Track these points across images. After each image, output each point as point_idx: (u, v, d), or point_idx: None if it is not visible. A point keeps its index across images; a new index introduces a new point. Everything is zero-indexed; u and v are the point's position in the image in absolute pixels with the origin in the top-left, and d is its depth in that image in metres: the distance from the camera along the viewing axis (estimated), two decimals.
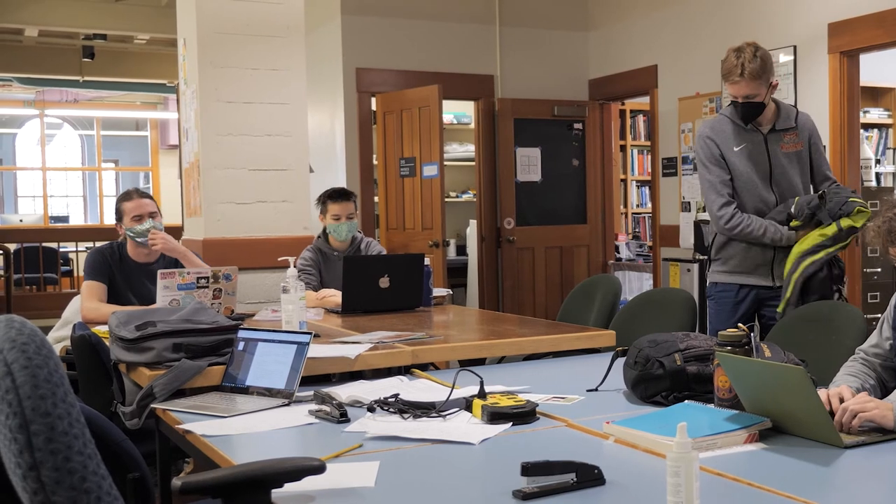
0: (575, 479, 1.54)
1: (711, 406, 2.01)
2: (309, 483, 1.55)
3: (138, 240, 3.75)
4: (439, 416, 2.07)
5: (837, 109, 5.20)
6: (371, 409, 2.14)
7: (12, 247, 9.74)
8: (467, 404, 2.13)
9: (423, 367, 2.82)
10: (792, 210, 3.37)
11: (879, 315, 2.31)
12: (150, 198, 3.89)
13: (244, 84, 4.54)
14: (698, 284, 5.77)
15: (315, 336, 2.63)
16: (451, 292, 4.71)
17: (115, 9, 9.10)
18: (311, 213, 4.67)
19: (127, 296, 3.72)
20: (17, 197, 14.90)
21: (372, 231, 6.52)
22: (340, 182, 6.39)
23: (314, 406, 2.19)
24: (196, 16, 4.48)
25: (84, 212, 15.28)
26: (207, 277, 3.52)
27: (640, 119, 8.88)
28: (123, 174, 15.53)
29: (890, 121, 7.03)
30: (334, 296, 3.94)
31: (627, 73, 6.84)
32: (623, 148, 8.72)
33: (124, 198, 3.85)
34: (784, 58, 5.48)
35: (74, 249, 10.81)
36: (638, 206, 8.98)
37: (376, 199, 6.73)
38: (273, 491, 1.53)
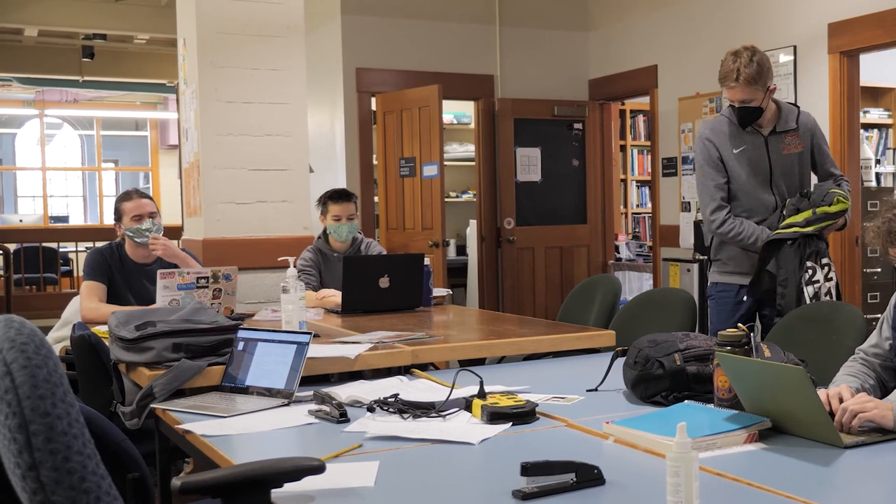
0: (575, 479, 1.54)
1: (711, 406, 2.01)
2: (309, 483, 1.55)
3: (137, 240, 3.75)
4: (439, 416, 2.07)
5: (837, 109, 5.20)
6: (371, 409, 2.14)
7: (12, 247, 9.74)
8: (467, 404, 2.13)
9: (423, 367, 2.82)
10: (785, 212, 3.41)
11: (879, 315, 2.31)
12: (150, 198, 3.89)
13: (244, 84, 4.54)
14: (698, 284, 5.77)
15: (315, 336, 2.63)
16: (451, 292, 4.71)
17: (115, 9, 9.10)
18: (310, 213, 4.67)
19: (126, 296, 3.72)
20: (16, 197, 14.90)
21: (372, 231, 6.52)
22: (340, 182, 6.39)
23: (314, 406, 2.19)
24: (196, 16, 4.48)
25: (84, 212, 15.28)
26: (207, 277, 3.52)
27: (640, 119, 8.88)
28: (123, 174, 15.53)
29: (890, 121, 7.03)
30: (334, 296, 3.94)
31: (627, 73, 6.84)
32: (623, 148, 8.72)
33: (124, 198, 3.85)
34: (784, 58, 5.48)
35: (74, 249, 10.81)
36: (638, 206, 8.98)
37: (376, 199, 6.73)
38: (273, 491, 1.53)
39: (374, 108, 6.62)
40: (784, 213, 3.40)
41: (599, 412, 2.09)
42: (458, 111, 8.06)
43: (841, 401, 1.91)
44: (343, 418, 2.08)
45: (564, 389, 2.35)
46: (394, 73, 6.57)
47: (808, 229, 3.31)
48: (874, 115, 6.95)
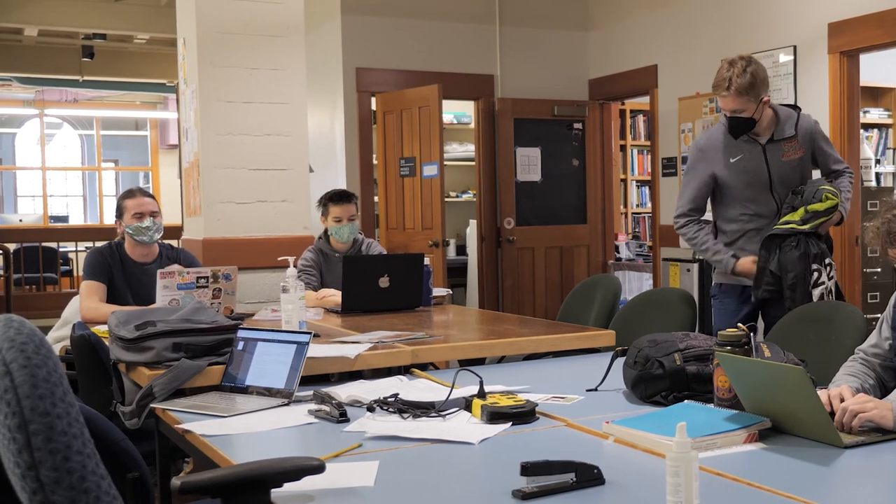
0: (574, 479, 1.54)
1: (711, 406, 2.01)
2: (308, 483, 1.55)
3: (137, 238, 3.75)
4: (439, 415, 2.07)
5: (837, 109, 5.20)
6: (370, 409, 2.14)
7: (12, 246, 9.73)
8: (467, 404, 2.13)
9: (423, 366, 2.82)
10: (782, 211, 3.42)
11: (879, 315, 2.31)
12: (153, 197, 3.88)
13: (244, 84, 4.54)
14: (698, 284, 5.77)
15: (315, 336, 2.63)
16: (451, 292, 4.71)
17: (115, 8, 9.10)
18: (310, 213, 4.67)
19: (126, 296, 3.72)
20: (16, 197, 14.90)
21: (372, 231, 6.52)
22: (340, 182, 6.39)
23: (314, 406, 2.19)
24: (196, 15, 4.48)
25: (84, 212, 15.27)
26: (207, 277, 3.52)
27: (640, 119, 8.88)
28: (123, 174, 15.52)
29: (890, 121, 7.03)
30: (334, 295, 3.94)
31: (627, 73, 6.84)
32: (623, 148, 8.72)
33: (127, 195, 3.85)
34: (784, 58, 5.48)
35: (74, 249, 10.81)
36: (638, 206, 8.98)
37: (376, 198, 6.73)
38: (273, 491, 1.53)
39: (374, 107, 6.62)
40: (782, 211, 3.41)
41: (599, 412, 2.09)
42: (458, 111, 8.06)
43: (842, 401, 1.91)
44: (343, 418, 2.08)
45: (564, 389, 2.35)
46: (394, 73, 6.57)
47: (805, 227, 3.31)
48: (874, 115, 6.95)
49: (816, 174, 3.62)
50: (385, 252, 4.56)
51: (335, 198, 4.29)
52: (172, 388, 2.41)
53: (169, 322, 2.65)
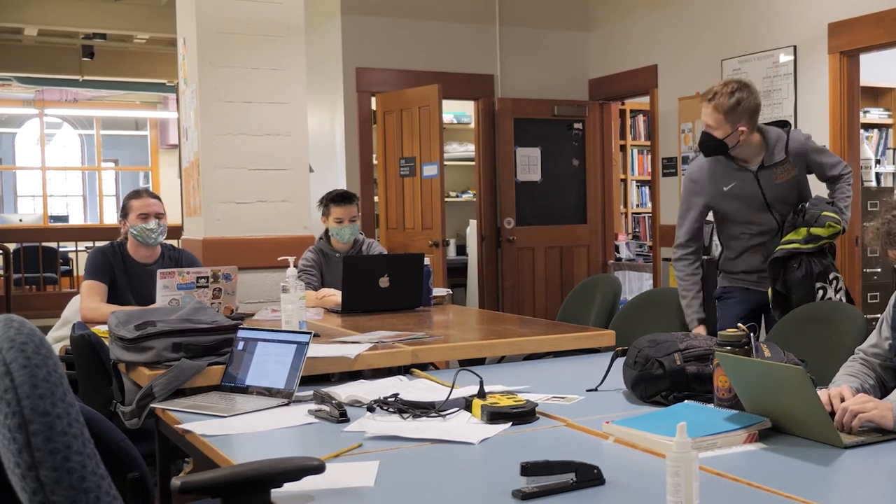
0: (574, 479, 1.54)
1: (711, 406, 2.01)
2: (308, 483, 1.55)
3: (141, 239, 3.75)
4: (439, 415, 2.07)
5: (837, 109, 5.20)
6: (371, 409, 2.14)
7: (12, 246, 9.73)
8: (467, 404, 2.13)
9: (423, 366, 2.82)
10: (784, 230, 3.42)
11: (879, 315, 2.31)
12: (159, 199, 3.87)
13: (244, 84, 4.54)
14: None
15: (315, 336, 2.63)
16: (451, 292, 4.71)
17: (115, 8, 9.09)
18: (310, 213, 4.67)
19: (127, 296, 3.72)
20: (16, 196, 14.90)
21: (372, 231, 6.52)
22: (340, 182, 6.39)
23: (314, 406, 2.19)
24: (196, 15, 4.48)
25: (84, 211, 15.27)
26: (207, 277, 3.52)
27: (640, 119, 8.88)
28: (123, 174, 15.52)
29: (890, 121, 7.03)
30: (334, 295, 3.94)
31: (627, 73, 6.84)
32: (623, 148, 8.72)
33: (133, 195, 3.85)
34: (784, 58, 5.48)
35: (74, 249, 10.81)
36: (638, 206, 8.97)
37: (376, 198, 6.73)
38: (273, 491, 1.53)
39: (374, 107, 6.61)
40: (783, 230, 3.41)
41: (599, 412, 2.09)
42: (458, 111, 8.06)
43: (842, 401, 1.91)
44: (343, 418, 2.08)
45: (564, 389, 2.35)
46: (394, 73, 6.57)
47: (808, 247, 3.31)
48: (874, 115, 6.95)
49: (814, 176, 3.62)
50: (385, 251, 4.56)
51: (337, 199, 4.29)
52: (172, 388, 2.41)
53: (169, 322, 2.65)
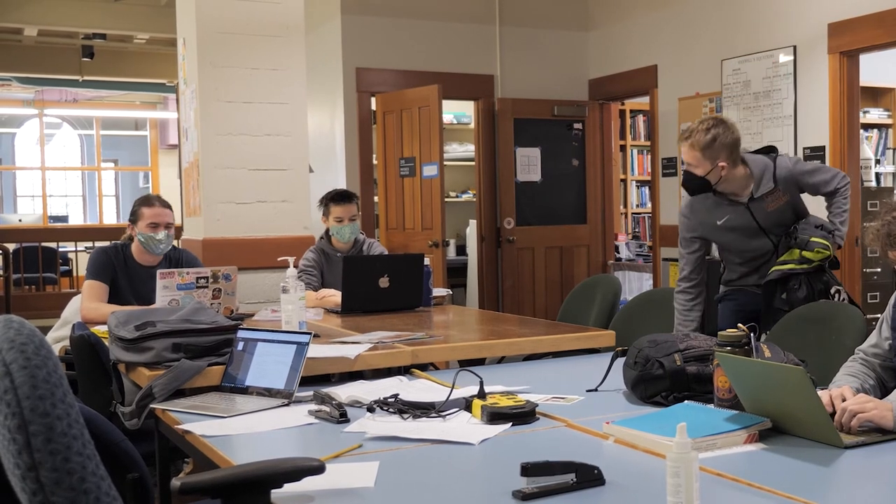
0: (575, 480, 1.54)
1: (711, 406, 2.01)
2: (308, 483, 1.55)
3: (147, 247, 3.75)
4: (439, 416, 2.07)
5: (837, 109, 5.20)
6: (371, 410, 2.14)
7: (11, 246, 9.73)
8: (467, 404, 2.12)
9: (423, 367, 2.82)
10: (779, 252, 3.44)
11: (879, 315, 2.31)
12: (170, 208, 3.86)
13: (244, 84, 4.54)
14: None
15: (315, 336, 2.63)
16: (451, 292, 4.71)
17: (115, 8, 9.09)
18: (310, 213, 4.67)
19: (128, 298, 3.71)
20: (16, 196, 14.90)
21: (372, 231, 6.52)
22: (340, 182, 6.38)
23: (314, 406, 2.19)
24: (196, 15, 4.48)
25: (83, 212, 15.27)
26: (207, 277, 3.51)
27: (640, 119, 8.88)
28: (123, 174, 15.53)
29: (890, 121, 7.03)
30: (334, 296, 3.94)
31: (627, 73, 6.84)
32: (623, 148, 8.71)
33: (146, 202, 3.81)
34: (784, 58, 5.48)
35: (73, 249, 10.81)
36: (638, 206, 8.97)
37: (376, 199, 6.73)
38: (272, 491, 1.53)
39: (374, 107, 6.61)
40: (779, 251, 3.42)
41: (599, 412, 2.09)
42: (458, 111, 8.06)
43: (843, 401, 1.91)
44: (343, 418, 2.08)
45: (564, 389, 2.35)
46: (394, 73, 6.57)
47: (803, 267, 3.33)
48: (874, 115, 6.94)
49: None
50: (386, 251, 4.56)
51: (336, 198, 4.30)
52: (172, 389, 2.41)
53: (169, 322, 2.65)
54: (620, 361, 2.35)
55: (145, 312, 2.81)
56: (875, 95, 6.97)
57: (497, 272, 6.94)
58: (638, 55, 6.70)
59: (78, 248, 10.67)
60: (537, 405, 2.10)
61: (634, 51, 6.74)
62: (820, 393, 1.90)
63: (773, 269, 3.38)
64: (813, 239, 3.33)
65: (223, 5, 4.51)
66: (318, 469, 1.53)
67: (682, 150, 3.34)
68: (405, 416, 2.07)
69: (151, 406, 2.35)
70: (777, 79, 5.52)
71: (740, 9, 5.82)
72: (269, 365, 2.42)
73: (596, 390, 2.35)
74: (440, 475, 1.72)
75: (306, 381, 2.40)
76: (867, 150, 6.68)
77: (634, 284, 6.91)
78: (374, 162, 6.69)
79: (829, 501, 1.55)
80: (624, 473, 1.64)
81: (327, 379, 2.63)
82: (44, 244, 10.40)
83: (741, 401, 1.94)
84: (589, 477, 1.55)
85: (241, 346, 2.51)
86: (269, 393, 2.36)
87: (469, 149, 7.79)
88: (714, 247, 3.71)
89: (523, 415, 2.03)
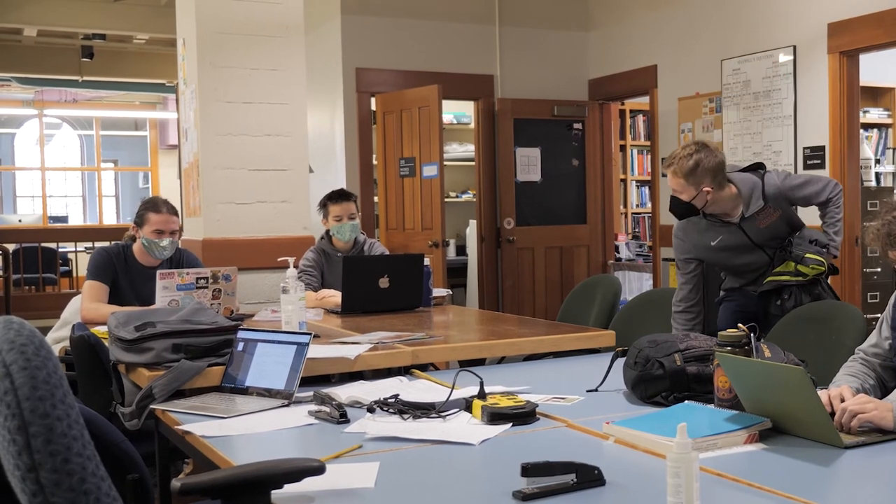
0: (575, 480, 1.54)
1: (711, 406, 2.01)
2: (308, 484, 1.55)
3: (150, 252, 3.75)
4: (439, 416, 2.07)
5: (837, 109, 5.20)
6: (371, 410, 2.13)
7: (11, 247, 9.72)
8: (467, 405, 2.12)
9: (423, 367, 2.82)
10: (774, 264, 3.45)
11: (879, 315, 2.31)
12: (177, 213, 3.84)
13: (244, 84, 4.54)
14: None
15: (315, 336, 2.63)
16: (451, 292, 4.71)
17: (115, 9, 9.09)
18: (310, 214, 4.67)
19: (129, 298, 3.71)
20: (15, 197, 14.90)
21: (372, 231, 6.52)
22: (340, 182, 6.38)
23: (314, 407, 2.19)
24: (195, 16, 4.48)
25: (83, 212, 15.27)
26: (207, 278, 3.51)
27: (640, 119, 8.88)
28: (122, 174, 15.53)
29: (890, 121, 7.03)
30: (334, 296, 3.94)
31: (627, 73, 6.84)
32: (623, 148, 8.71)
33: (153, 207, 3.77)
34: (784, 58, 5.48)
35: (73, 250, 10.80)
36: (638, 206, 8.97)
37: (376, 199, 6.73)
38: (273, 492, 1.53)
39: (373, 108, 6.61)
40: (775, 263, 3.43)
41: (599, 412, 2.09)
42: (458, 111, 8.06)
43: (842, 401, 1.91)
44: (343, 419, 2.08)
45: (564, 390, 2.35)
46: (394, 73, 6.57)
47: (797, 279, 3.34)
48: (874, 115, 6.95)
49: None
50: (387, 252, 4.56)
51: (334, 197, 4.30)
52: (172, 389, 2.40)
53: (169, 323, 2.65)
54: (620, 361, 2.35)
55: (145, 313, 2.81)
56: (875, 95, 6.97)
57: (497, 272, 6.94)
58: (638, 55, 6.70)
59: (78, 249, 10.66)
60: (537, 405, 2.10)
61: (634, 51, 6.74)
62: (819, 393, 1.90)
63: (769, 279, 3.40)
64: (808, 255, 3.35)
65: (223, 5, 4.51)
66: (318, 469, 1.53)
67: (668, 177, 3.34)
68: (405, 416, 2.07)
69: (151, 407, 2.35)
70: (777, 79, 5.52)
71: (740, 9, 5.82)
72: (269, 365, 2.42)
73: (596, 390, 2.35)
74: (440, 476, 1.72)
75: (306, 382, 2.40)
76: (867, 150, 6.68)
77: (634, 284, 6.91)
78: (374, 162, 6.68)
79: (829, 501, 1.55)
80: (624, 474, 1.64)
81: (327, 379, 2.63)
82: (43, 245, 10.40)
83: (741, 401, 1.94)
84: (589, 477, 1.55)
85: (241, 346, 2.51)
86: (269, 393, 2.36)
87: (469, 149, 7.79)
88: None
89: (523, 415, 2.03)
